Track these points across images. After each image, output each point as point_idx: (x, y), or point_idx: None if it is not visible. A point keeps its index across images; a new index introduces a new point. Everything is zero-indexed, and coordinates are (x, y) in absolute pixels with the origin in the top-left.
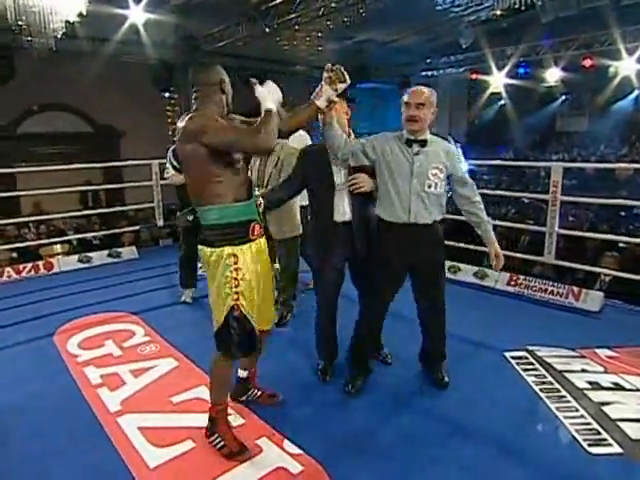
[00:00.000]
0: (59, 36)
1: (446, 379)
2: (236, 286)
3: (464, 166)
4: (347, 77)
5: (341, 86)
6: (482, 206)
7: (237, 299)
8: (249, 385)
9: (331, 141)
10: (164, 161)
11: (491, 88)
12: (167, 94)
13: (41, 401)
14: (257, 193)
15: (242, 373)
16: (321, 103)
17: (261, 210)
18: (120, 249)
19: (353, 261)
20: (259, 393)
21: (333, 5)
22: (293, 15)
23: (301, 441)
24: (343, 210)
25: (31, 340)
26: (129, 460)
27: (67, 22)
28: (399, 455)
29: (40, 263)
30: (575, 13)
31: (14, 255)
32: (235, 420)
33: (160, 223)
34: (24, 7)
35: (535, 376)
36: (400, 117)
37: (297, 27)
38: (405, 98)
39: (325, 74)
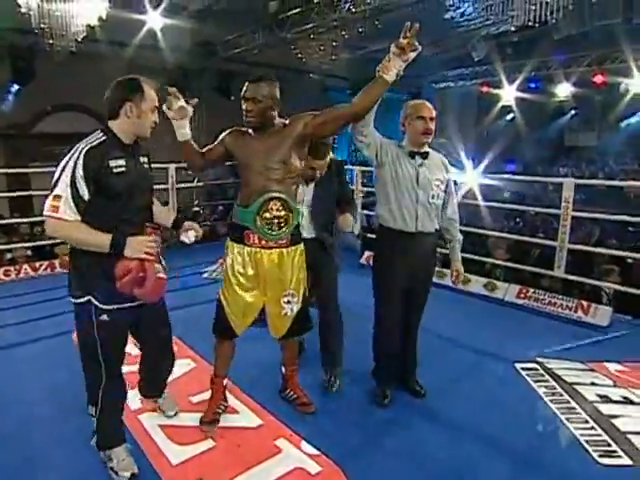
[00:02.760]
0: (80, 39)
1: (423, 390)
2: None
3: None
4: (417, 44)
5: (412, 55)
6: (457, 225)
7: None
8: (286, 383)
9: (369, 113)
10: (181, 165)
11: (502, 101)
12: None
13: (62, 396)
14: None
15: (282, 369)
16: (391, 77)
17: None
18: None
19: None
20: (295, 395)
21: (349, 16)
22: (309, 25)
23: (318, 442)
24: (305, 229)
25: (51, 336)
26: (152, 456)
27: (88, 26)
28: (413, 458)
29: (56, 261)
30: (587, 30)
31: (29, 253)
32: (254, 421)
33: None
34: (47, 11)
35: (546, 387)
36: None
37: (312, 36)
38: (417, 112)
39: (394, 46)
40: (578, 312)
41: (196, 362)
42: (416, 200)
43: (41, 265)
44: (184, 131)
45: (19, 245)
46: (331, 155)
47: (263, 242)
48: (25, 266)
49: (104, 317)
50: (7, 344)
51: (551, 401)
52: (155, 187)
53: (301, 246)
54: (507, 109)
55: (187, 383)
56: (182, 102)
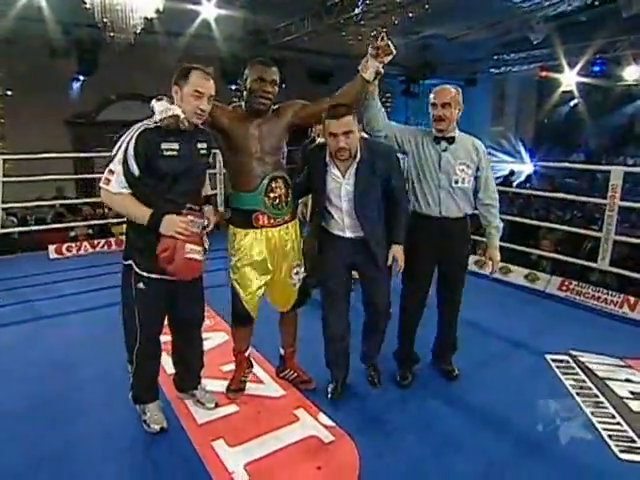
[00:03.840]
0: (138, 31)
1: (456, 372)
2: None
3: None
4: (393, 49)
5: (387, 58)
6: (495, 211)
7: (230, 274)
8: (285, 364)
9: (371, 111)
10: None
11: (562, 87)
12: (234, 86)
13: (108, 358)
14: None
15: (280, 351)
16: (368, 75)
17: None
18: None
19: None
20: (294, 375)
21: (398, 0)
22: (358, 10)
23: (335, 415)
24: (343, 229)
25: (102, 307)
26: (181, 415)
27: (145, 18)
28: (428, 440)
29: (112, 240)
30: None
31: (90, 231)
32: (277, 391)
33: (221, 209)
34: (109, 6)
35: (574, 380)
36: (467, 115)
37: (362, 22)
38: (431, 99)
39: (370, 48)
40: (624, 307)
41: (229, 335)
42: (438, 185)
43: (99, 243)
44: None
45: (81, 224)
46: (364, 135)
47: (272, 221)
48: (85, 243)
49: (141, 285)
50: (63, 312)
51: (577, 394)
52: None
53: (297, 219)
54: (569, 95)
55: (219, 353)
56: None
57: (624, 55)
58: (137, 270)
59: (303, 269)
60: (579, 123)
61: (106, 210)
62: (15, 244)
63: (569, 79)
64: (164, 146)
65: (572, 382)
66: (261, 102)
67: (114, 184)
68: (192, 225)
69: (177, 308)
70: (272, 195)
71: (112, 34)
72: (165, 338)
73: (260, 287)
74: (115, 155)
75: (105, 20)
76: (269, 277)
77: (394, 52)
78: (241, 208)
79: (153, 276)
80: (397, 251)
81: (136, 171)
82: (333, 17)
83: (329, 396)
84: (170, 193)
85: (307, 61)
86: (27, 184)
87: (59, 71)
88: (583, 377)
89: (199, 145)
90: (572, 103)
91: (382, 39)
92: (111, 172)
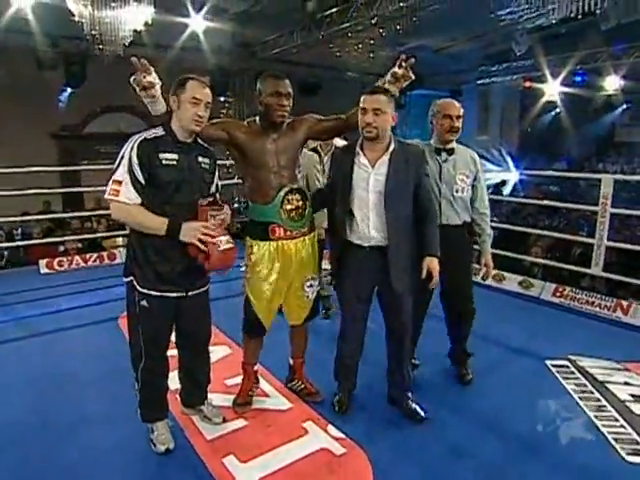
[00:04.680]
0: (127, 44)
1: (470, 376)
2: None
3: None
4: (412, 74)
5: (405, 84)
6: (488, 219)
7: (245, 285)
8: (294, 375)
9: None
10: (224, 162)
11: (545, 96)
12: (222, 98)
13: (112, 371)
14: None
15: (290, 361)
16: None
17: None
18: None
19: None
20: (302, 386)
21: (387, 14)
22: (347, 24)
23: (344, 427)
24: (367, 230)
25: (99, 322)
26: (189, 432)
27: (134, 31)
28: (437, 447)
29: (104, 254)
30: (638, 19)
31: (79, 245)
32: (284, 404)
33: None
34: (97, 18)
35: (575, 384)
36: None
37: (350, 35)
38: (445, 111)
39: (390, 75)
40: (617, 312)
41: (232, 349)
42: (439, 194)
43: (91, 257)
44: (159, 107)
45: (70, 238)
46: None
47: (288, 233)
48: (76, 257)
49: (144, 302)
50: (57, 327)
51: (580, 398)
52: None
53: (315, 231)
54: (552, 104)
55: (223, 368)
56: (152, 77)
57: (604, 66)
58: (138, 288)
59: (318, 282)
60: (562, 132)
61: (95, 224)
62: (3, 259)
63: (552, 89)
64: (163, 156)
65: (573, 386)
66: (279, 115)
67: (126, 194)
68: (214, 218)
69: (183, 324)
70: (288, 207)
71: (101, 47)
72: (170, 352)
73: (274, 298)
74: (118, 166)
75: (94, 33)
76: (284, 289)
77: (412, 77)
78: (257, 220)
79: (155, 293)
80: (431, 263)
81: (142, 179)
82: (322, 30)
83: (335, 408)
84: (169, 204)
85: (296, 73)
86: (13, 198)
87: (46, 83)
88: (584, 381)
89: (200, 159)
90: (554, 112)
91: (404, 67)
92: (118, 183)
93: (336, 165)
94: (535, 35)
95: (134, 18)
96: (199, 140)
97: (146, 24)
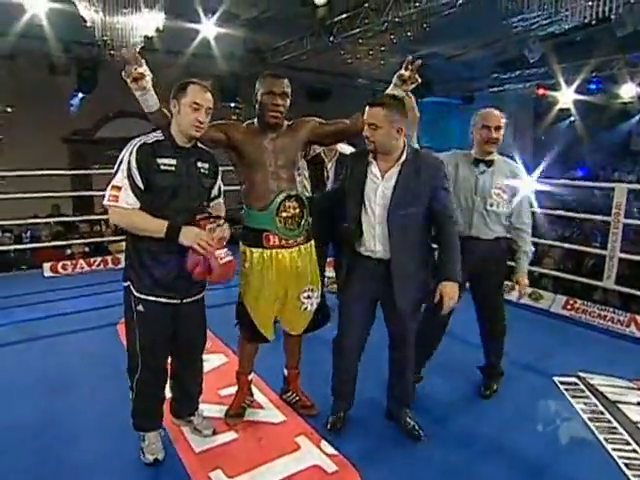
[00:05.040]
0: (138, 49)
1: (487, 392)
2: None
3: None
4: (418, 77)
5: (412, 86)
6: (526, 236)
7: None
8: (288, 386)
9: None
10: (224, 168)
11: (559, 104)
12: (232, 104)
13: (107, 379)
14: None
15: (284, 371)
16: None
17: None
18: None
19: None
20: (297, 398)
21: (397, 20)
22: (357, 30)
23: (338, 443)
24: (373, 243)
25: (100, 327)
26: (177, 443)
27: (146, 37)
28: (433, 465)
29: (109, 258)
30: None
31: (87, 249)
32: (277, 417)
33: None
34: (109, 24)
35: (585, 404)
36: (465, 133)
37: (360, 41)
38: (483, 121)
39: (396, 78)
40: (631, 327)
41: (228, 357)
42: (472, 207)
43: (95, 261)
44: (151, 102)
45: (78, 241)
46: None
47: (283, 242)
48: (81, 261)
49: (140, 307)
50: (58, 332)
51: (590, 419)
52: None
53: (312, 241)
54: (566, 112)
55: (217, 377)
56: (143, 69)
57: (620, 73)
58: (134, 292)
59: (317, 294)
60: (576, 140)
61: (104, 227)
62: (10, 262)
63: (566, 97)
64: (161, 161)
65: (583, 406)
66: (272, 116)
67: (124, 199)
68: (213, 232)
69: (178, 331)
70: (284, 215)
71: (112, 52)
72: None
73: (269, 308)
74: (117, 171)
75: (105, 38)
76: (279, 299)
77: (419, 81)
78: (251, 226)
79: (151, 298)
80: (444, 288)
81: (141, 184)
82: (332, 36)
83: (328, 427)
84: (166, 210)
85: (306, 79)
86: (23, 201)
87: (58, 88)
88: (594, 400)
89: (199, 164)
90: (569, 120)
91: (410, 69)
92: (117, 188)
93: (348, 172)
94: (548, 42)
95: (145, 24)
96: (199, 144)
97: (157, 30)
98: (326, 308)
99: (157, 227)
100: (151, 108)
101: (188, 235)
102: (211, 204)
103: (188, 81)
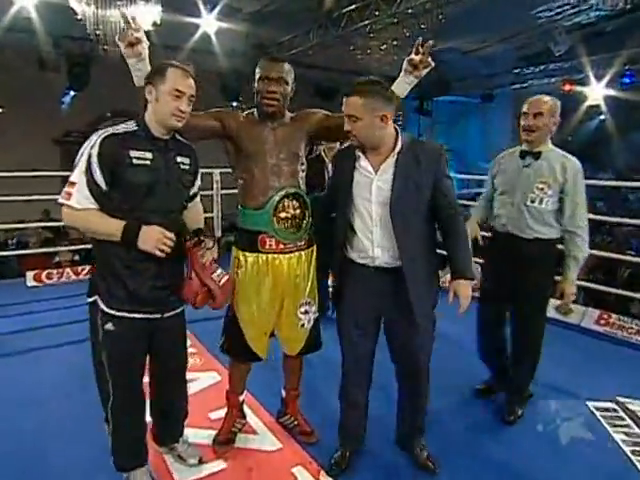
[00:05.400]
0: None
1: (510, 418)
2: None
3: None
4: (431, 61)
5: (424, 72)
6: (578, 240)
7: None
8: (286, 409)
9: None
10: (226, 170)
11: (588, 101)
12: (235, 103)
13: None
14: None
15: (282, 392)
16: (402, 93)
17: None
18: None
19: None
20: (295, 422)
21: (409, 11)
22: (366, 22)
23: (340, 476)
24: (371, 249)
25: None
26: (157, 473)
27: None
28: None
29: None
30: None
31: (76, 257)
32: (273, 444)
33: (218, 234)
34: (102, 17)
35: (626, 434)
36: (485, 134)
37: (371, 35)
38: (524, 107)
39: (406, 63)
40: None
41: (221, 375)
42: (512, 201)
43: (82, 269)
44: (145, 72)
45: (65, 249)
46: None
47: (281, 246)
48: (67, 270)
49: (109, 326)
50: (37, 346)
51: (632, 452)
52: (202, 193)
53: (314, 247)
54: (595, 109)
55: (208, 397)
56: (140, 34)
57: None
58: (104, 308)
59: (315, 309)
60: (607, 140)
61: None
62: None
63: (596, 93)
64: (134, 154)
65: (623, 436)
66: (267, 103)
67: (77, 198)
68: (203, 258)
69: (157, 349)
70: (282, 215)
71: (105, 47)
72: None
73: (264, 322)
74: (76, 165)
75: (98, 32)
76: (275, 312)
77: (432, 64)
78: (245, 227)
79: (124, 314)
80: (459, 286)
81: (102, 183)
82: (340, 29)
83: (332, 461)
84: (140, 210)
85: (313, 77)
86: (11, 205)
87: (48, 86)
88: (636, 430)
89: (179, 159)
90: (599, 118)
91: (421, 52)
92: (72, 184)
93: (335, 169)
94: (576, 33)
95: (142, 17)
96: (177, 136)
97: (154, 24)
98: (319, 330)
99: (112, 229)
100: (142, 81)
101: (148, 237)
102: (189, 205)
103: (168, 63)
